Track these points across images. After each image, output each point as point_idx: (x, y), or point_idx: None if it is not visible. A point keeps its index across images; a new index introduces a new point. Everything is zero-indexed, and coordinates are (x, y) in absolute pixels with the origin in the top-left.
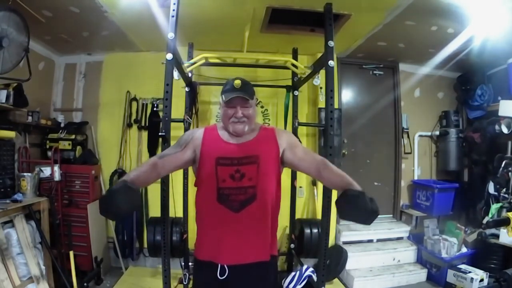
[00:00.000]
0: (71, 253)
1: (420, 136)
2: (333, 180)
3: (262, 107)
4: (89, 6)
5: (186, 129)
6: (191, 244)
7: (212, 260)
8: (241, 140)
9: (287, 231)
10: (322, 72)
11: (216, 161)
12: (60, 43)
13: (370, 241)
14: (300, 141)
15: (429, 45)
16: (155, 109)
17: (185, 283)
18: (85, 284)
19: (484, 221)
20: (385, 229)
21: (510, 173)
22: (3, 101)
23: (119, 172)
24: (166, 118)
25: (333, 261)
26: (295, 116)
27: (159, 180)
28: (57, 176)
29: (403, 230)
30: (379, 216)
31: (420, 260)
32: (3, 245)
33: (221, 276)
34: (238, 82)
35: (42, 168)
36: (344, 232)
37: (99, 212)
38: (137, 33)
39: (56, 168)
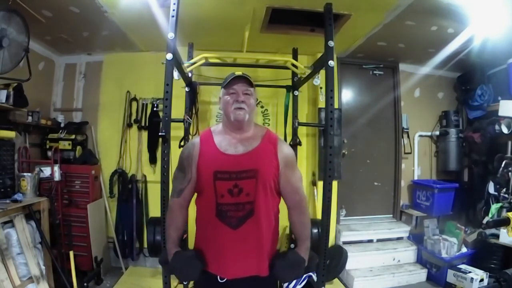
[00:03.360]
0: (71, 253)
1: (420, 136)
2: (293, 227)
3: (262, 107)
4: (89, 6)
5: (186, 129)
6: (191, 244)
7: (210, 271)
8: (240, 149)
9: (287, 231)
10: (322, 72)
11: (214, 175)
12: (60, 43)
13: (370, 241)
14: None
15: (429, 45)
16: (155, 109)
17: (185, 283)
18: (85, 284)
19: (484, 221)
20: (385, 229)
21: (510, 173)
22: (3, 101)
23: (119, 172)
24: (166, 118)
25: (333, 261)
26: (295, 116)
27: (159, 179)
28: (57, 176)
29: (403, 230)
30: (379, 216)
31: (420, 260)
32: (3, 245)
33: (221, 279)
34: (239, 72)
35: (42, 168)
36: (344, 232)
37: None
38: (137, 33)
39: (56, 168)
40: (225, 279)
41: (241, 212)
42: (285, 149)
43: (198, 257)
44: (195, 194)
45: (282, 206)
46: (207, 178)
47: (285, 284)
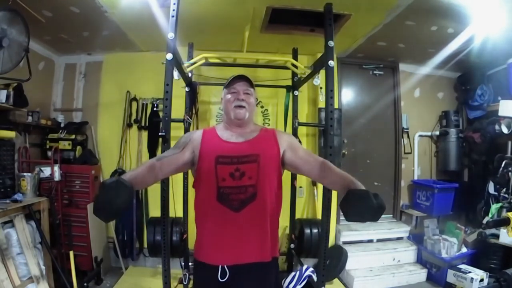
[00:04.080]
0: (71, 253)
1: (420, 136)
2: (335, 181)
3: (262, 107)
4: (89, 6)
5: (186, 129)
6: (191, 244)
7: (212, 261)
8: (241, 139)
9: (287, 231)
10: (322, 72)
11: (216, 159)
12: (60, 43)
13: (370, 241)
14: (300, 141)
15: (429, 45)
16: (155, 109)
17: (185, 283)
18: (85, 284)
19: (484, 221)
20: (385, 229)
21: (510, 173)
22: (3, 101)
23: (119, 172)
24: (166, 118)
25: (333, 261)
26: (295, 116)
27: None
28: (57, 176)
29: (403, 230)
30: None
31: (420, 260)
32: (3, 245)
33: (221, 278)
34: (240, 74)
35: (42, 168)
36: (344, 232)
37: (93, 212)
38: (137, 33)
39: (56, 168)
40: (225, 278)
41: (243, 195)
42: (283, 135)
43: (129, 189)
44: (194, 194)
45: (283, 205)
46: (209, 163)
47: (285, 284)
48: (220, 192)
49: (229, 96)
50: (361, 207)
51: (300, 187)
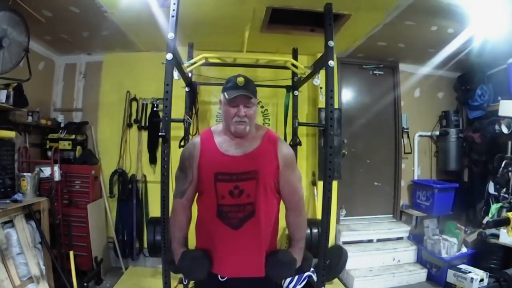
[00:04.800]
0: (71, 253)
1: (420, 136)
2: (289, 227)
3: (262, 107)
4: (89, 6)
5: (186, 129)
6: (192, 244)
7: (211, 271)
8: (240, 151)
9: (287, 231)
10: (322, 72)
11: (215, 176)
12: (60, 43)
13: (370, 241)
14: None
15: (429, 45)
16: (155, 109)
17: (185, 283)
18: (85, 284)
19: (484, 221)
20: (385, 229)
21: (510, 173)
22: (3, 101)
23: (119, 172)
24: (166, 118)
25: (333, 261)
26: (295, 116)
27: (159, 179)
28: (57, 176)
29: (403, 230)
30: (379, 216)
31: (420, 260)
32: (3, 245)
33: (221, 278)
34: (241, 80)
35: (42, 168)
36: (344, 232)
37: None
38: (137, 33)
39: (56, 168)
40: (226, 278)
41: (241, 213)
42: (284, 149)
43: (206, 256)
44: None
45: (281, 206)
46: (208, 179)
47: (285, 284)
48: (219, 210)
49: (228, 108)
50: (280, 271)
51: None
